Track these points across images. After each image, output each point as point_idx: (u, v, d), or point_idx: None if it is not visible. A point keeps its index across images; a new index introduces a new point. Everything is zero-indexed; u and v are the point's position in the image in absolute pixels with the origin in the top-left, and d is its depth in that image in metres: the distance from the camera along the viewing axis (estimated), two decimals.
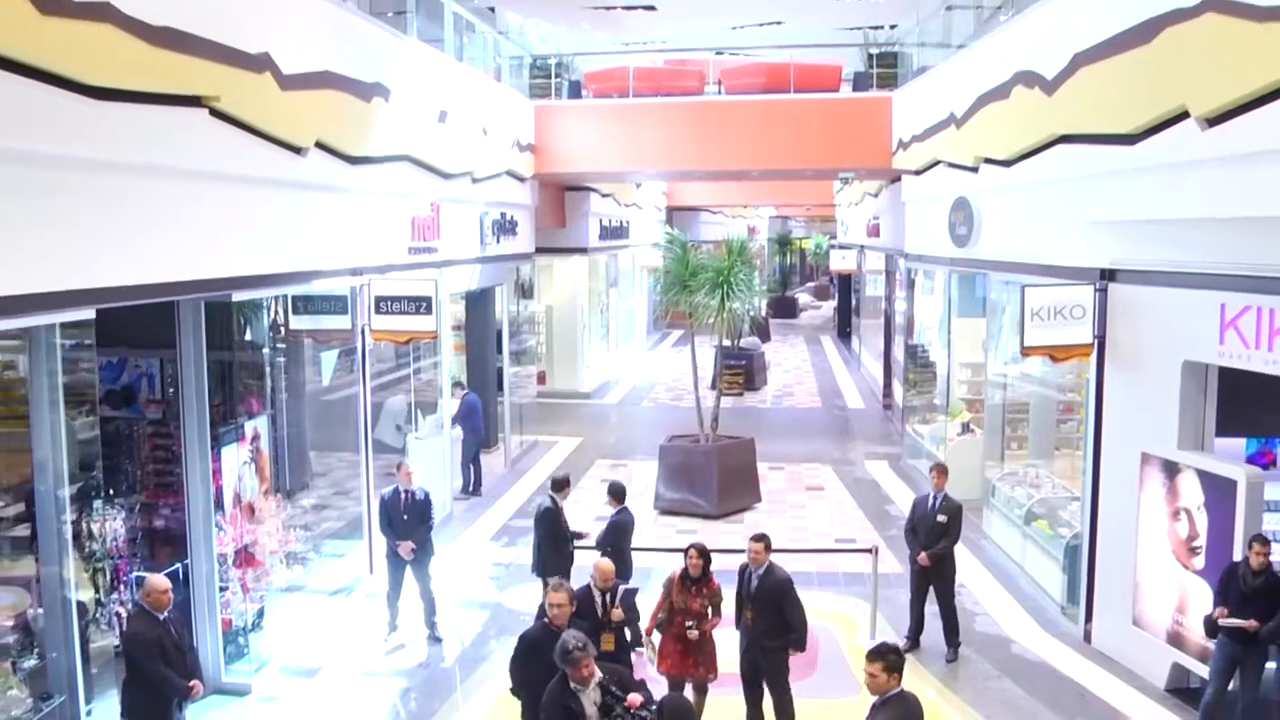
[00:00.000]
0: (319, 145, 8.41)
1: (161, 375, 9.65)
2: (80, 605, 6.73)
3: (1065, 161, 8.50)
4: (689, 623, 6.68)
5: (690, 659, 6.79)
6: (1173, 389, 7.54)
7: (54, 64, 5.38)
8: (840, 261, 24.66)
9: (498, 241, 13.62)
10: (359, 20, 9.42)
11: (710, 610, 6.79)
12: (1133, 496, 7.97)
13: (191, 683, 5.98)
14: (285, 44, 7.77)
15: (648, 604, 7.27)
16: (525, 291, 18.97)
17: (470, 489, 13.11)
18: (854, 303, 28.88)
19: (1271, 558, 6.64)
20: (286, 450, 9.97)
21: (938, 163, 12.28)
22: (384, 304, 9.50)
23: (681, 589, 6.77)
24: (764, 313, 34.02)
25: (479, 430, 13.00)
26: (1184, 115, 6.56)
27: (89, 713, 6.40)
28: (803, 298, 42.43)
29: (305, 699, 7.69)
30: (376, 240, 9.91)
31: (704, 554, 6.79)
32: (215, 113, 6.90)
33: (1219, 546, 7.20)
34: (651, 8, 19.26)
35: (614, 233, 21.89)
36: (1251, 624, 6.49)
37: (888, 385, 19.42)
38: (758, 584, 6.76)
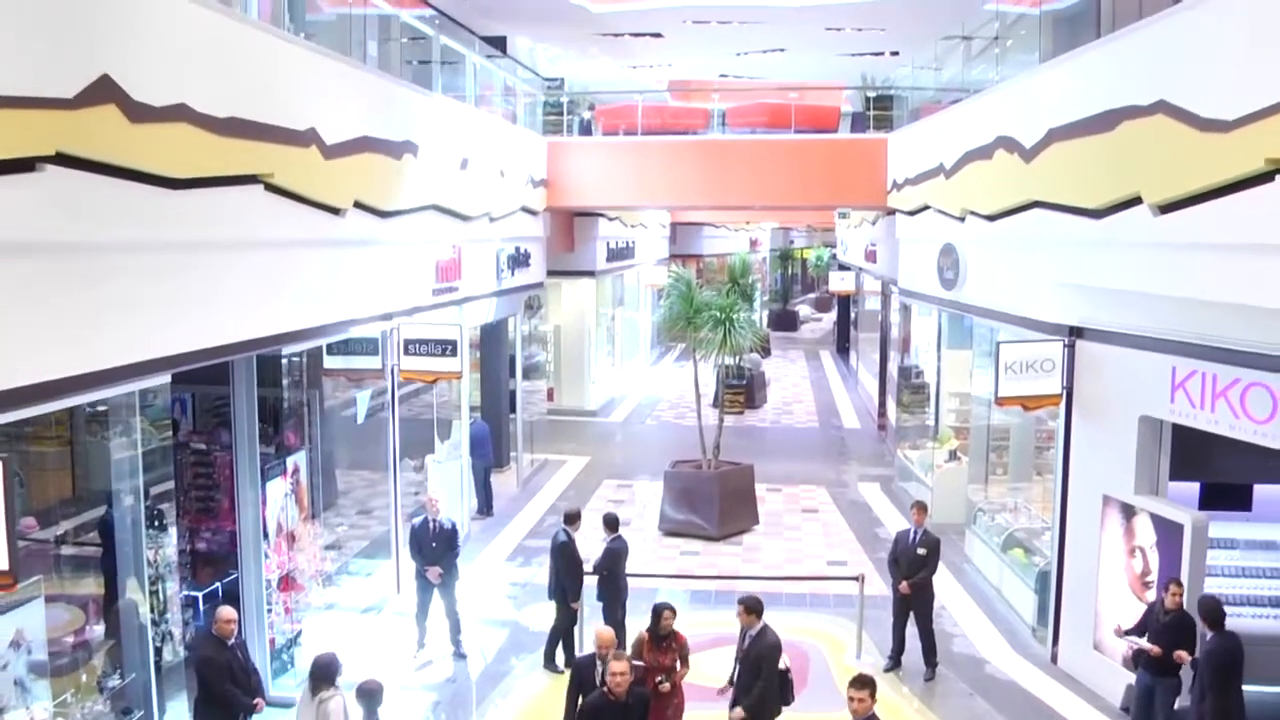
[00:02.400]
0: (356, 205, 9.18)
1: (194, 405, 10.48)
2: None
3: (1040, 224, 9.25)
4: (660, 678, 7.09)
5: (662, 715, 7.09)
6: (1130, 439, 8.34)
7: (142, 164, 6.15)
8: (839, 283, 25.46)
9: (512, 274, 14.42)
10: (391, 85, 10.22)
11: (679, 662, 7.26)
12: (1095, 533, 8.77)
13: (255, 700, 6.82)
14: (328, 117, 8.55)
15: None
16: (531, 306, 19.75)
17: (482, 510, 13.92)
18: (853, 316, 29.69)
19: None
20: (321, 477, 10.79)
21: (927, 207, 13.07)
22: (412, 346, 10.30)
23: (652, 647, 7.21)
24: (765, 327, 34.84)
25: (487, 456, 13.83)
26: (1140, 200, 7.34)
27: None
28: (803, 310, 43.23)
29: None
30: (404, 285, 10.69)
31: (675, 613, 7.28)
32: (269, 187, 7.69)
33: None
34: (658, 35, 20.10)
35: (620, 254, 22.69)
36: (1154, 648, 7.40)
37: (882, 404, 20.22)
38: (749, 644, 7.14)
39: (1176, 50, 7.00)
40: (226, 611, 6.84)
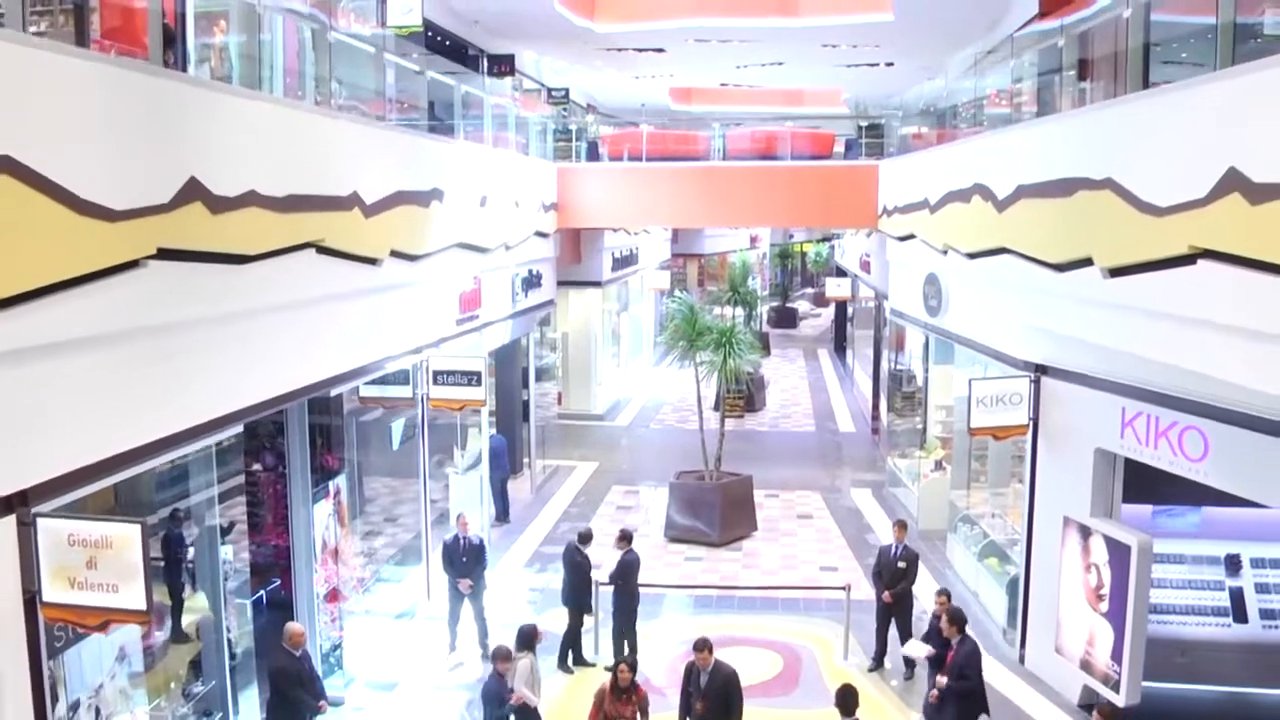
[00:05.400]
0: (392, 253, 10.13)
1: None
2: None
3: (1009, 269, 10.21)
4: None
5: None
6: (1087, 468, 9.33)
7: (220, 247, 7.12)
8: (835, 289, 26.40)
9: (526, 296, 15.40)
10: (419, 139, 11.16)
11: (639, 715, 7.81)
12: (1057, 549, 9.77)
13: (319, 702, 7.89)
14: (367, 179, 9.49)
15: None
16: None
17: (500, 517, 14.96)
18: (850, 313, 30.60)
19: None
20: (356, 492, 11.80)
21: (913, 236, 14.02)
22: (440, 377, 11.29)
23: (613, 698, 7.77)
24: (765, 324, 35.76)
25: (504, 467, 14.91)
26: (1092, 262, 8.28)
27: None
28: (802, 305, 44.10)
29: (388, 709, 9.57)
30: (432, 319, 11.65)
31: (633, 667, 7.99)
32: (320, 249, 8.65)
33: (1119, 595, 9.00)
34: (661, 50, 20.99)
35: (624, 261, 23.63)
36: (929, 650, 8.77)
37: (875, 407, 21.22)
38: (708, 680, 7.88)
39: (1122, 137, 7.93)
40: (296, 627, 7.91)
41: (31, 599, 5.56)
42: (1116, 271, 7.88)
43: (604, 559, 11.36)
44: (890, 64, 21.71)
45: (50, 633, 5.83)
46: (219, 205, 7.02)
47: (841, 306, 31.46)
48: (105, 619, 5.49)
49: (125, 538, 5.38)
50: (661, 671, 10.21)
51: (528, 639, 8.49)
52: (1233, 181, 6.11)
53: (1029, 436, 10.15)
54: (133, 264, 6.18)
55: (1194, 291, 6.77)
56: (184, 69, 7.49)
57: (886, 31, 17.82)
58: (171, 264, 6.57)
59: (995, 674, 10.30)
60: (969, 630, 8.74)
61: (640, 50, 20.85)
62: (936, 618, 8.86)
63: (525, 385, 17.00)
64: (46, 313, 5.42)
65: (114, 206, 5.90)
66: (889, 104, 19.51)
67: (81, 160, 5.67)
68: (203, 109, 6.97)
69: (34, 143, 5.26)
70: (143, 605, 5.41)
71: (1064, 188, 8.76)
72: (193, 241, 6.77)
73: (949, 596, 9.09)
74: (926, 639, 9.04)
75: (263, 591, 11.02)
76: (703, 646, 7.95)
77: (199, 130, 6.88)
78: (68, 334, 5.68)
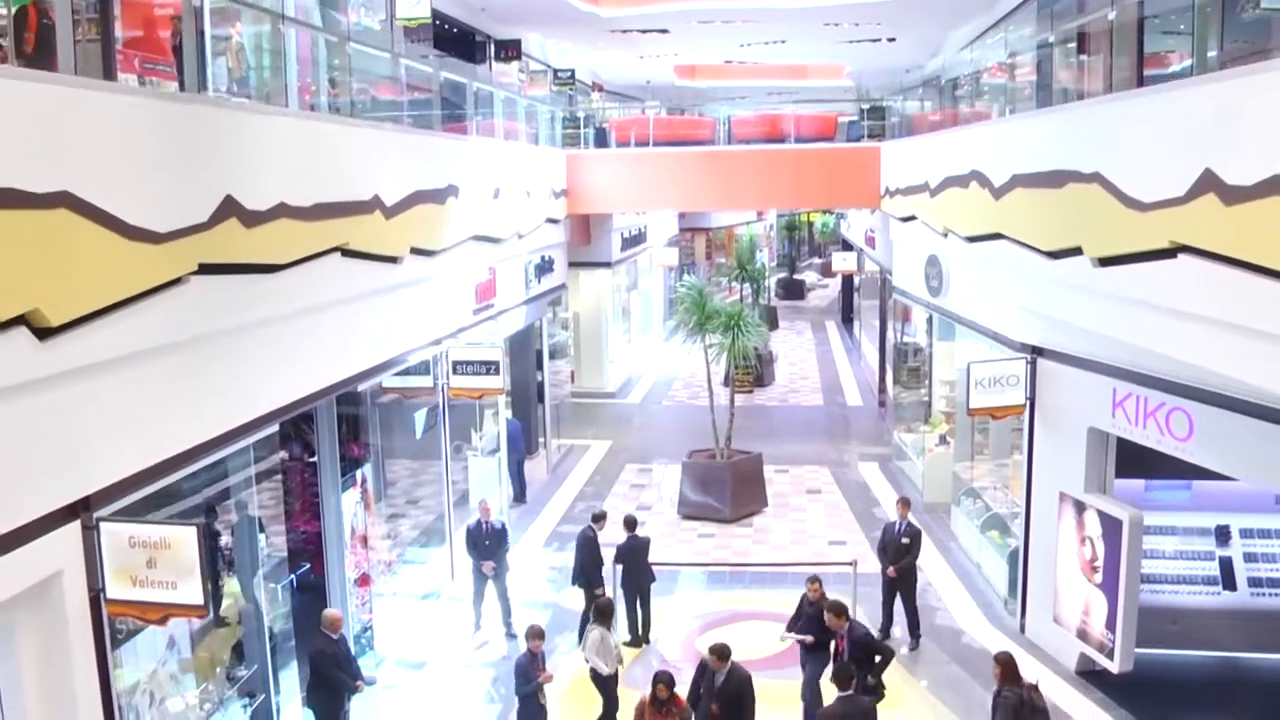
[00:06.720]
0: (412, 250, 10.53)
1: None
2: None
3: (1006, 254, 10.55)
4: None
5: None
6: (1080, 446, 9.73)
7: (254, 259, 7.49)
8: (841, 263, 26.66)
9: (539, 281, 15.80)
10: (434, 139, 11.51)
11: None
12: (1054, 523, 10.21)
13: (356, 682, 8.42)
14: (386, 182, 9.86)
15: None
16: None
17: (517, 498, 15.48)
18: (856, 283, 30.88)
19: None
20: (381, 477, 12.29)
21: (915, 218, 14.33)
22: (460, 366, 11.74)
23: (653, 710, 7.78)
24: (773, 297, 36.01)
25: (520, 449, 15.42)
26: (1082, 251, 8.63)
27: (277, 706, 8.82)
28: (810, 276, 44.30)
29: (419, 687, 10.12)
30: (450, 310, 12.07)
31: (670, 685, 7.83)
32: (344, 253, 9.06)
33: (1112, 567, 9.45)
34: (665, 31, 21.21)
35: (633, 241, 23.96)
36: (807, 638, 9.01)
37: (882, 380, 21.61)
38: (723, 681, 7.98)
39: (1109, 133, 8.25)
40: (334, 613, 8.43)
41: (96, 597, 6.05)
42: (1105, 261, 8.22)
43: (616, 539, 11.83)
44: (892, 39, 21.89)
45: (113, 626, 6.34)
46: (252, 219, 7.42)
47: (848, 279, 31.74)
48: (165, 614, 5.98)
49: (182, 539, 5.86)
50: (676, 646, 10.74)
51: (602, 612, 9.06)
52: (1208, 182, 6.44)
53: (1026, 415, 10.54)
54: (176, 281, 6.60)
55: (1175, 284, 7.11)
56: (203, 71, 7.84)
57: (887, 9, 18.02)
58: (211, 278, 6.98)
59: (997, 643, 10.78)
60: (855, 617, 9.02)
61: (644, 32, 21.10)
62: (811, 605, 9.07)
63: (539, 367, 17.44)
64: (102, 332, 5.85)
65: (159, 229, 6.31)
66: (890, 86, 19.71)
67: (129, 189, 6.07)
68: (234, 129, 7.37)
69: (87, 176, 5.67)
70: (200, 600, 5.90)
71: (1055, 179, 9.07)
72: (230, 255, 7.17)
73: (820, 583, 9.29)
74: (800, 625, 9.24)
75: (293, 576, 11.58)
76: (722, 655, 8.03)
77: (232, 150, 7.28)
78: (121, 350, 6.11)
